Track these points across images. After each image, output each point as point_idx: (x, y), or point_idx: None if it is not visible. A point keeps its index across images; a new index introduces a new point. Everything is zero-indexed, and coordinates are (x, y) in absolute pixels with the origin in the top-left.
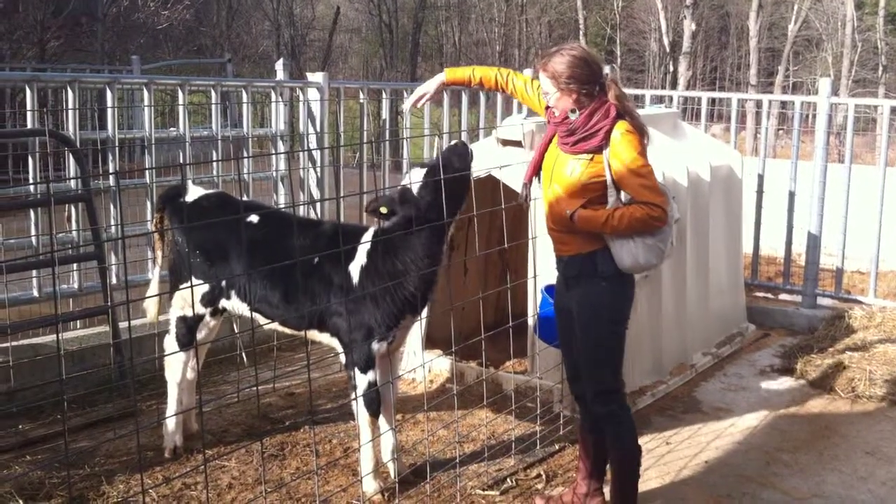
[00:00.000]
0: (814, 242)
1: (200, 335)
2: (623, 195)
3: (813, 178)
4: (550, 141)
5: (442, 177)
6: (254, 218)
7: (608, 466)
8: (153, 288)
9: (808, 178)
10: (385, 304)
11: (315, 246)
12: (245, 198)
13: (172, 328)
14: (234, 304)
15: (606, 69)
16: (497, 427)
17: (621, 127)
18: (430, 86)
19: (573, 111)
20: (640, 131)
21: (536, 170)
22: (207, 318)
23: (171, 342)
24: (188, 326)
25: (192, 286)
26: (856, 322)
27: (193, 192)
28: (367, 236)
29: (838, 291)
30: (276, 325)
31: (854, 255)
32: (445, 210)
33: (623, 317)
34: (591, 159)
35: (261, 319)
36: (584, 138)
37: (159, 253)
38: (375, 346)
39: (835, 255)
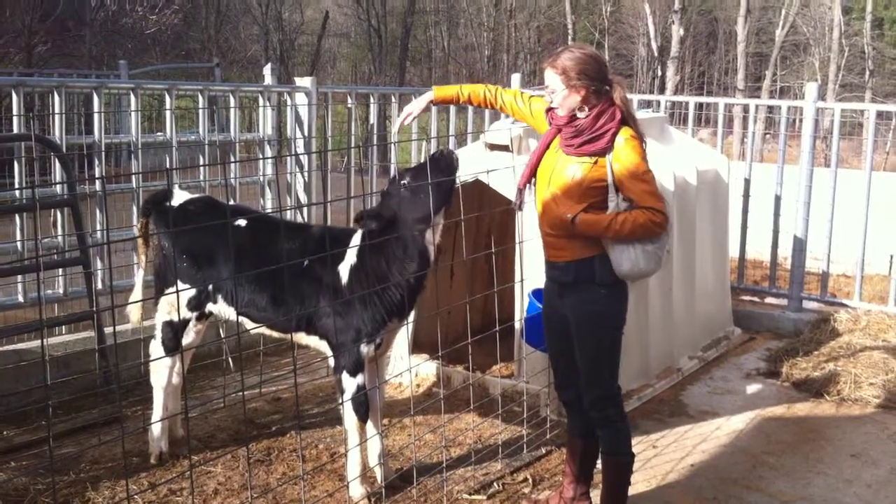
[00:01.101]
0: (800, 246)
1: (186, 340)
2: (622, 200)
3: (799, 182)
4: (548, 145)
5: (418, 183)
6: (241, 222)
7: (598, 471)
8: (137, 293)
9: (794, 182)
10: (372, 305)
11: (303, 249)
12: (232, 202)
13: (158, 333)
14: (221, 309)
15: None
16: (484, 431)
17: (626, 132)
18: (418, 104)
19: (581, 110)
20: (641, 137)
21: (532, 174)
22: (193, 322)
23: (156, 347)
24: (174, 331)
25: (178, 291)
26: (841, 325)
27: (179, 197)
28: (355, 239)
29: (824, 295)
30: (263, 329)
31: (840, 258)
32: (419, 215)
33: (620, 322)
34: (595, 163)
35: (248, 324)
36: (590, 140)
37: (143, 258)
38: (364, 348)
39: (820, 258)
